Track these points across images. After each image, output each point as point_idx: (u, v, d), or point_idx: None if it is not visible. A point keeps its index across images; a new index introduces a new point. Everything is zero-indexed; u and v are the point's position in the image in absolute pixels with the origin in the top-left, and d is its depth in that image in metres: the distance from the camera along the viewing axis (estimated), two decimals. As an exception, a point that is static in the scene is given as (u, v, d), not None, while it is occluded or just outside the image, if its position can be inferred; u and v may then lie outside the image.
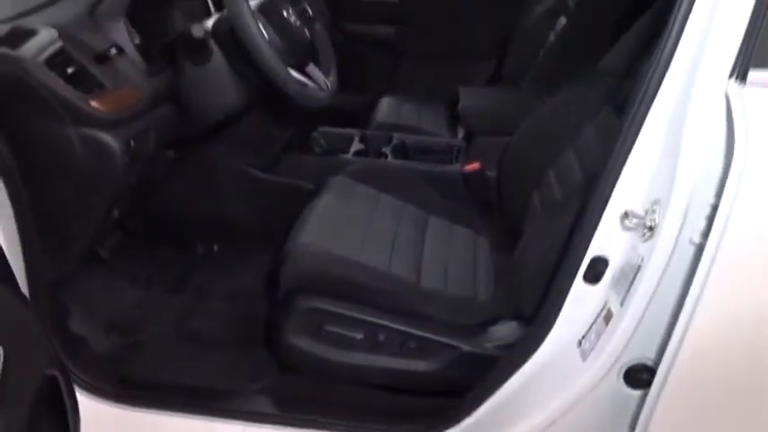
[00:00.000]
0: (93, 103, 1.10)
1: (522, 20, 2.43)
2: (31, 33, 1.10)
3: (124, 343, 1.62)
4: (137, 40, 1.27)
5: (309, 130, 2.03)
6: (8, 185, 1.10)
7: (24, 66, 1.03)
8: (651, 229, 0.97)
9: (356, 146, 2.01)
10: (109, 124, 1.14)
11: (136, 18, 1.33)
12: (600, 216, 1.03)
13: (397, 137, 2.05)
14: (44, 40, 1.09)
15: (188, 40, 1.26)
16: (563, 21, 2.21)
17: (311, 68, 1.48)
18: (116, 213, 1.33)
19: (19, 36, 1.08)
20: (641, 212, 0.99)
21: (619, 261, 1.06)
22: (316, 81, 1.44)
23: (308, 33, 1.46)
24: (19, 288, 1.07)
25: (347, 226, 1.53)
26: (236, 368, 1.52)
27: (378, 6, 2.61)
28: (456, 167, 1.89)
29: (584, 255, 1.06)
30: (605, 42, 1.66)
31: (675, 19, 0.92)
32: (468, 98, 2.03)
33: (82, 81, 1.11)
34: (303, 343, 1.36)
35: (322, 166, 1.89)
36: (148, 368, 1.53)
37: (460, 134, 2.17)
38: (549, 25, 2.32)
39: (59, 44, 1.11)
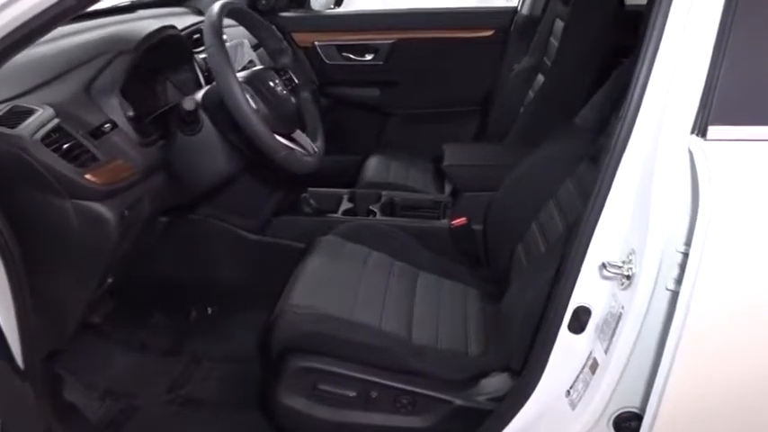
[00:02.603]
0: (88, 176, 1.14)
1: (502, 78, 2.53)
2: (28, 112, 1.15)
3: (118, 408, 1.62)
4: (130, 114, 1.32)
5: (299, 191, 2.07)
6: (6, 263, 1.13)
7: (21, 144, 1.08)
8: (629, 278, 1.01)
9: (345, 205, 2.06)
10: (103, 196, 1.18)
11: (130, 92, 1.38)
12: (580, 266, 1.06)
13: (385, 195, 2.11)
14: (41, 118, 1.14)
15: (179, 112, 1.32)
16: (541, 79, 2.31)
17: (299, 134, 1.54)
18: (110, 281, 1.36)
19: (17, 115, 1.13)
20: (619, 262, 1.03)
21: (601, 310, 1.09)
22: (303, 146, 1.50)
23: (294, 101, 1.53)
24: (15, 362, 1.09)
25: (337, 285, 1.56)
26: None
27: (363, 70, 2.70)
28: (444, 223, 1.94)
29: (566, 305, 1.09)
30: (581, 99, 1.74)
31: (638, 78, 0.99)
32: (453, 156, 2.10)
33: (77, 156, 1.16)
34: (297, 403, 1.36)
35: (312, 227, 1.93)
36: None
37: (447, 190, 2.23)
38: (529, 83, 2.42)
39: (56, 121, 1.16)
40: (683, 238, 0.96)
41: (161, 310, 2.00)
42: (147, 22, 1.50)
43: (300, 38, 2.69)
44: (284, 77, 1.57)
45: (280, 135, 1.44)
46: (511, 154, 1.95)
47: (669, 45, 0.95)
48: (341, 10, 2.74)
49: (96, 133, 1.23)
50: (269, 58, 1.65)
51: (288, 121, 1.48)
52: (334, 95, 2.77)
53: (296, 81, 1.59)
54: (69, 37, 1.46)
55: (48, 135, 1.13)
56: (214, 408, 1.69)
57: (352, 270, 1.65)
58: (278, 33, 1.59)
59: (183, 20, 1.91)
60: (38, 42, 1.40)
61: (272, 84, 1.45)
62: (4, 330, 1.17)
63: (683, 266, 0.94)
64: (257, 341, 1.56)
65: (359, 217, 2.00)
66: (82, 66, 1.28)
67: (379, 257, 1.74)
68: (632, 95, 1.00)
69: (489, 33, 2.57)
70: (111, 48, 1.32)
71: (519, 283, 1.42)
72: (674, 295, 0.96)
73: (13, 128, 1.10)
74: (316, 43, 2.68)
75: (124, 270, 1.46)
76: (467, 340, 1.52)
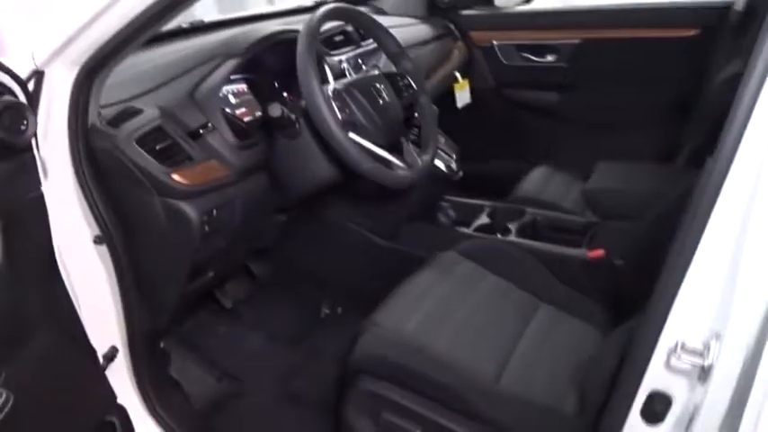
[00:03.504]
0: (175, 176, 1.21)
1: (705, 86, 2.13)
2: (137, 113, 1.25)
3: (228, 391, 1.72)
4: (234, 114, 1.36)
5: (438, 198, 1.99)
6: (110, 249, 1.25)
7: (116, 143, 1.17)
8: (705, 369, 0.77)
9: (482, 220, 1.92)
10: (188, 195, 1.23)
11: (240, 94, 1.43)
12: (654, 344, 0.84)
13: (529, 213, 1.92)
14: (146, 118, 1.24)
15: (277, 117, 1.33)
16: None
17: (406, 145, 1.46)
18: (210, 275, 1.43)
19: (126, 115, 1.24)
20: (698, 346, 0.79)
21: (682, 400, 0.85)
22: (405, 159, 1.42)
23: (400, 109, 1.45)
24: (90, 346, 1.20)
25: (436, 307, 1.46)
26: None
27: (542, 71, 2.49)
28: (580, 252, 1.70)
29: (637, 388, 0.87)
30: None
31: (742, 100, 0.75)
32: (601, 177, 1.82)
33: (170, 155, 1.23)
34: (362, 426, 1.31)
35: (441, 238, 1.84)
36: (238, 422, 1.60)
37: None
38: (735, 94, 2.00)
39: (158, 122, 1.24)
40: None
41: (296, 301, 2.08)
42: (271, 25, 1.54)
43: (478, 37, 2.58)
44: (401, 82, 1.50)
45: (379, 145, 1.38)
46: (675, 178, 1.63)
47: None
48: (524, 7, 2.55)
49: (195, 134, 1.29)
50: (388, 61, 1.59)
51: (390, 130, 1.41)
52: (509, 98, 2.60)
53: (413, 86, 1.51)
54: (193, 40, 1.57)
55: (147, 134, 1.22)
56: (315, 407, 1.70)
57: (460, 293, 1.53)
58: (395, 37, 1.51)
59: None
60: (164, 45, 1.54)
61: (375, 91, 1.39)
62: (107, 306, 1.31)
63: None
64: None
65: (489, 235, 1.84)
66: (193, 70, 1.35)
67: (496, 282, 1.60)
68: (734, 119, 0.76)
69: (693, 32, 2.19)
70: (222, 52, 1.38)
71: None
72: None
73: (116, 127, 1.20)
74: (494, 42, 2.55)
75: (228, 265, 1.53)
76: (565, 395, 1.31)
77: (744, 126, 0.74)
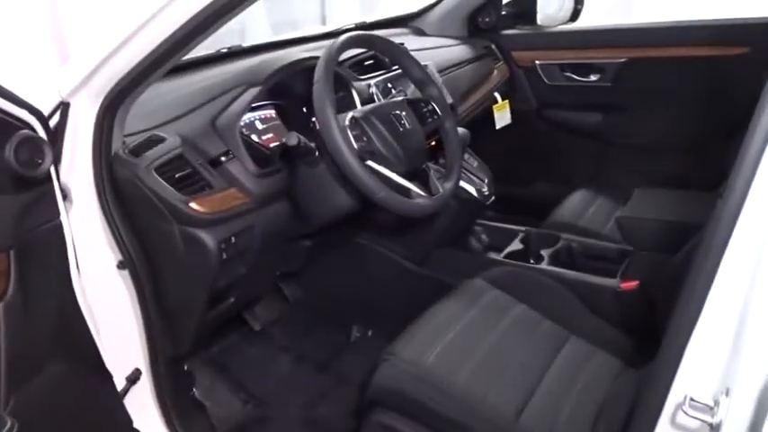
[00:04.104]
0: (192, 205, 1.22)
1: (752, 111, 2.02)
2: (160, 140, 1.28)
3: (253, 414, 1.73)
4: (256, 142, 1.38)
5: (471, 222, 1.95)
6: (132, 275, 1.28)
7: (136, 171, 1.20)
8: (714, 428, 0.71)
9: (514, 245, 1.87)
10: (207, 223, 1.25)
11: (265, 120, 1.44)
12: (664, 399, 0.79)
13: (564, 239, 1.86)
14: (167, 147, 1.26)
15: (295, 146, 1.33)
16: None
17: (429, 173, 1.44)
18: (232, 300, 1.44)
19: (149, 143, 1.27)
20: (708, 401, 0.73)
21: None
22: (427, 187, 1.39)
23: (424, 137, 1.43)
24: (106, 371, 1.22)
25: (458, 337, 1.42)
26: None
27: (586, 91, 2.42)
28: (614, 282, 1.63)
29: None
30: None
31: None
32: (638, 204, 1.73)
33: (190, 184, 1.25)
34: (376, 459, 1.29)
35: (470, 264, 1.80)
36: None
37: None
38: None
39: (179, 150, 1.26)
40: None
41: (327, 324, 2.07)
42: (294, 53, 1.55)
43: (520, 57, 2.53)
44: (425, 108, 1.48)
45: (400, 173, 1.36)
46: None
47: None
48: (567, 26, 2.49)
49: (215, 162, 1.30)
50: (415, 87, 1.57)
51: (412, 158, 1.39)
52: (550, 119, 2.54)
53: (438, 112, 1.48)
54: (219, 68, 1.60)
55: (167, 163, 1.24)
56: None
57: (485, 323, 1.48)
58: (419, 63, 1.49)
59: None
60: (190, 73, 1.57)
61: (395, 118, 1.37)
62: (131, 331, 1.34)
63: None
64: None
65: (519, 262, 1.79)
66: (216, 98, 1.37)
67: (524, 312, 1.54)
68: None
69: (743, 51, 2.08)
70: (244, 81, 1.39)
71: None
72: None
73: (137, 156, 1.23)
74: (536, 62, 2.49)
75: (250, 291, 1.54)
76: (592, 430, 1.25)
77: (755, 168, 0.69)
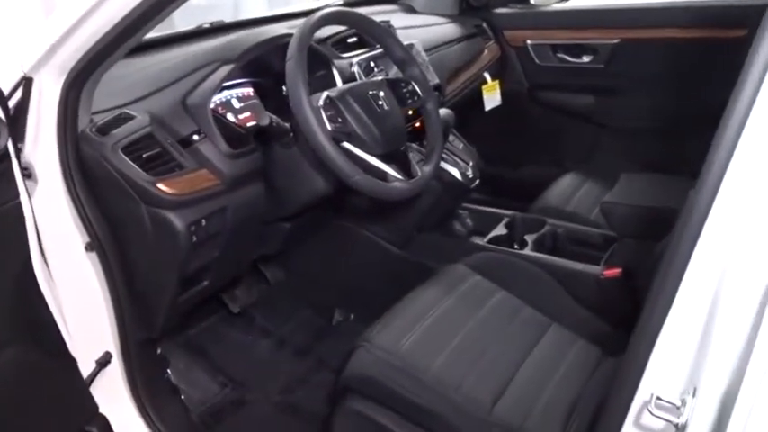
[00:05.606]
0: (161, 186, 1.18)
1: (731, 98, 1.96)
2: (129, 118, 1.24)
3: (230, 398, 1.71)
4: (230, 122, 1.33)
5: (455, 206, 1.91)
6: (100, 258, 1.25)
7: (102, 150, 1.16)
8: (679, 428, 0.68)
9: (499, 230, 1.83)
10: (175, 205, 1.21)
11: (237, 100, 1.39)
12: (631, 395, 0.76)
13: (550, 224, 1.82)
14: (135, 125, 1.22)
15: (269, 126, 1.29)
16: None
17: (408, 155, 1.39)
18: (205, 283, 1.41)
19: (117, 121, 1.22)
20: (675, 400, 0.70)
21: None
22: (407, 170, 1.35)
23: (403, 118, 1.38)
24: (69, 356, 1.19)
25: (436, 324, 1.39)
26: None
27: (578, 73, 2.36)
28: (597, 269, 1.59)
29: None
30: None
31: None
32: (622, 190, 1.69)
33: (159, 164, 1.21)
34: (348, 445, 1.27)
35: (453, 249, 1.76)
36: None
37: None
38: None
39: (148, 129, 1.22)
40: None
41: (308, 307, 2.05)
42: (276, 29, 1.49)
43: (512, 36, 2.48)
44: (406, 89, 1.43)
45: (378, 155, 1.32)
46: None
47: None
48: (560, 5, 2.43)
49: (185, 142, 1.26)
50: (396, 66, 1.52)
51: (390, 140, 1.34)
52: (541, 101, 2.49)
53: (419, 93, 1.44)
54: (192, 45, 1.55)
55: (135, 142, 1.20)
56: (313, 419, 1.67)
57: (464, 309, 1.45)
58: (401, 42, 1.44)
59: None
60: (162, 51, 1.52)
61: (372, 98, 1.33)
62: (101, 315, 1.31)
63: None
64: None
65: (501, 247, 1.75)
66: (188, 76, 1.32)
67: (505, 299, 1.51)
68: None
69: (741, 33, 2.03)
70: (217, 58, 1.34)
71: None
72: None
73: (104, 134, 1.19)
74: (528, 42, 2.44)
75: (224, 274, 1.50)
76: (567, 421, 1.23)
77: (726, 164, 0.65)
